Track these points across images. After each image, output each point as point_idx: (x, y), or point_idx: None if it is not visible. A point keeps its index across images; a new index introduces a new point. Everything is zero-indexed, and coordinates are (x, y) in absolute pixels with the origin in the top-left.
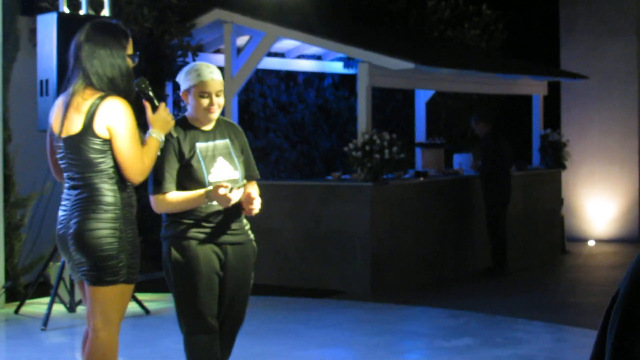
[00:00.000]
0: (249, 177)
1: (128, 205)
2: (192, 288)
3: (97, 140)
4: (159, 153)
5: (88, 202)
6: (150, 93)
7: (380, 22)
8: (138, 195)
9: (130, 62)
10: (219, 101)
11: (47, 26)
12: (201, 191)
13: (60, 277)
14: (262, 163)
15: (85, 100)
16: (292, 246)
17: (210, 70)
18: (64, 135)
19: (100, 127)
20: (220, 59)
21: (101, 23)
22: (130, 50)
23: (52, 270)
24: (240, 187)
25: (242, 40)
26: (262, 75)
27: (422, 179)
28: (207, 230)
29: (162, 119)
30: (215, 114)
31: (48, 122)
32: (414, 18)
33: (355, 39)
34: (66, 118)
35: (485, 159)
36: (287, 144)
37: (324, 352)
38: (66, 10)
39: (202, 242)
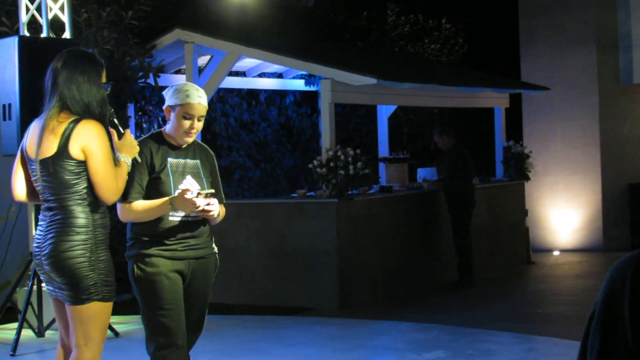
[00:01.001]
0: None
1: (100, 226)
2: (159, 305)
3: (72, 162)
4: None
5: (61, 224)
6: (116, 120)
7: (341, 40)
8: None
9: (104, 91)
10: (199, 125)
11: (8, 50)
12: (165, 198)
13: (27, 302)
14: (226, 182)
15: (60, 123)
16: (259, 265)
17: (198, 95)
18: (39, 157)
19: (75, 149)
20: (182, 79)
21: (78, 51)
22: (104, 78)
23: (20, 295)
24: (206, 195)
25: (203, 60)
26: (223, 94)
27: (386, 194)
28: (170, 246)
29: (128, 144)
30: (192, 138)
31: (14, 146)
32: (375, 34)
33: (316, 55)
34: (42, 141)
35: (450, 172)
36: (251, 162)
37: None
38: (27, 33)
39: (165, 258)
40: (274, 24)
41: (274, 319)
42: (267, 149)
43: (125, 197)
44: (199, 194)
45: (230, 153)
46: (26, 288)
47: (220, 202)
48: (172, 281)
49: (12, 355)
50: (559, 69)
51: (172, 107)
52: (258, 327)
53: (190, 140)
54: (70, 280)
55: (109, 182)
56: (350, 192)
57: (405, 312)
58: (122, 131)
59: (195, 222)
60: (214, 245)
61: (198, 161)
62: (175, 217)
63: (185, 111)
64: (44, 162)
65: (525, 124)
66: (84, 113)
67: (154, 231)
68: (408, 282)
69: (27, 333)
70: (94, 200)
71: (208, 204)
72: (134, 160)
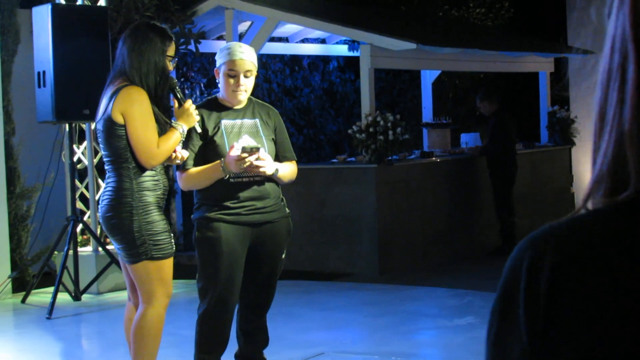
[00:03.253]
0: (282, 157)
1: (145, 189)
2: (213, 271)
3: (115, 126)
4: (180, 145)
5: (111, 187)
6: (177, 90)
7: (384, 4)
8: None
9: (169, 64)
10: (247, 82)
11: (42, 18)
12: (216, 161)
13: (63, 266)
14: None
15: (114, 87)
16: (299, 230)
17: (241, 50)
18: (96, 120)
19: (116, 113)
20: (223, 45)
21: (148, 23)
22: (171, 52)
23: (57, 260)
24: (252, 150)
25: (244, 26)
26: (266, 60)
27: (426, 159)
28: (232, 211)
29: (186, 113)
30: (243, 95)
31: (48, 113)
32: None
33: (357, 21)
34: (99, 105)
35: (491, 138)
36: (294, 128)
37: (327, 335)
38: (62, 1)
39: (227, 223)
40: None
41: (309, 284)
42: (310, 115)
43: (180, 166)
44: (243, 149)
45: None
46: (62, 253)
47: (290, 159)
48: (230, 248)
49: (48, 318)
50: (605, 33)
51: (218, 68)
52: (291, 292)
53: (240, 98)
54: (121, 240)
55: (146, 146)
56: (390, 158)
57: (443, 279)
58: (184, 101)
59: (261, 182)
60: (286, 208)
61: (257, 120)
62: (238, 179)
63: (229, 68)
64: (97, 125)
65: (572, 89)
66: (140, 82)
67: (217, 194)
68: (448, 248)
69: (64, 297)
70: (137, 163)
71: (257, 159)
72: (193, 129)
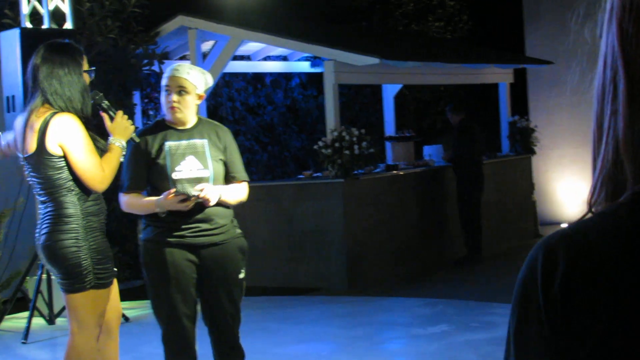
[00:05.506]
0: (232, 177)
1: (91, 214)
2: (164, 292)
3: (52, 158)
4: (121, 159)
5: (51, 215)
6: (105, 104)
7: (344, 20)
8: (111, 205)
9: (87, 78)
10: (183, 100)
11: (10, 42)
12: (152, 199)
13: (37, 291)
14: None
15: (38, 118)
16: (267, 246)
17: (176, 68)
18: (24, 154)
19: (52, 145)
20: None
21: (56, 43)
22: (85, 66)
23: (30, 285)
24: (182, 192)
25: (207, 45)
26: (229, 79)
27: (392, 172)
28: (178, 233)
29: (120, 126)
30: (178, 113)
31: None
32: (378, 14)
33: (319, 37)
34: (24, 138)
35: (458, 148)
36: (258, 145)
37: (305, 348)
38: (29, 25)
39: (173, 246)
40: (277, 7)
41: (282, 299)
42: (274, 132)
43: (122, 188)
44: (176, 191)
45: (237, 137)
46: (36, 277)
47: (240, 179)
48: (178, 270)
49: (23, 342)
50: (563, 43)
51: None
52: (265, 308)
53: (176, 115)
54: (63, 269)
55: (92, 172)
56: (356, 172)
57: (412, 289)
58: (114, 114)
59: (208, 208)
60: (237, 229)
61: (205, 140)
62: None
63: (165, 85)
64: (29, 159)
65: (531, 99)
66: (65, 107)
67: (164, 218)
68: (416, 259)
69: (38, 321)
70: (81, 189)
71: (199, 196)
72: (131, 141)
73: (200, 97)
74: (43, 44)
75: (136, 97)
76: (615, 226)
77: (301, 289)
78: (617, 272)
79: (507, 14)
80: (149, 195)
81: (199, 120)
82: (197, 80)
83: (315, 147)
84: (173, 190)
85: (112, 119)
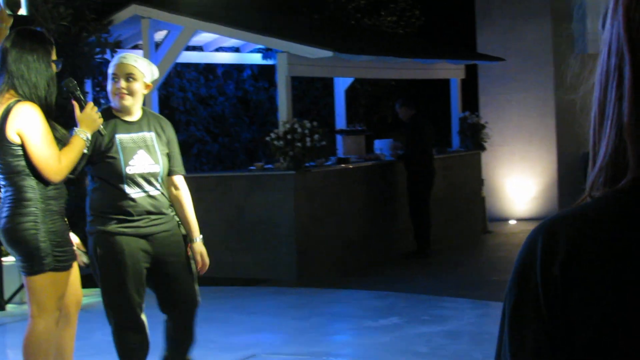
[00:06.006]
0: (172, 171)
1: (51, 198)
2: (120, 282)
3: (12, 145)
4: (85, 150)
5: (11, 200)
6: (78, 93)
7: (297, 13)
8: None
9: (54, 68)
10: (131, 86)
11: None
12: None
13: None
14: (184, 156)
15: (1, 105)
16: (217, 237)
17: (123, 56)
18: None
19: (12, 133)
20: (139, 54)
21: (27, 30)
22: (54, 56)
23: None
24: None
25: (160, 35)
26: (181, 69)
27: (343, 165)
28: (133, 224)
29: (88, 117)
30: (126, 101)
31: None
32: (331, 7)
33: (273, 29)
34: None
35: (408, 143)
36: (209, 136)
37: (255, 338)
38: None
39: (128, 235)
40: None
41: (233, 289)
42: (225, 123)
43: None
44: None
45: (188, 127)
46: None
47: (177, 173)
48: (132, 258)
49: None
50: (514, 40)
51: (108, 79)
52: (216, 298)
53: (124, 102)
54: (23, 252)
55: (49, 163)
56: (307, 164)
57: (362, 282)
58: (85, 104)
59: (155, 196)
60: (175, 217)
61: (153, 133)
62: (137, 193)
63: (112, 72)
64: None
65: (482, 95)
66: (30, 93)
67: (115, 207)
68: (366, 252)
69: None
70: (40, 178)
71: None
72: (98, 134)
73: (147, 86)
74: (14, 30)
75: (88, 86)
76: (617, 210)
77: (251, 280)
78: (620, 255)
79: (459, 10)
80: (99, 189)
81: (144, 112)
82: (144, 69)
83: (268, 138)
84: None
85: (82, 108)
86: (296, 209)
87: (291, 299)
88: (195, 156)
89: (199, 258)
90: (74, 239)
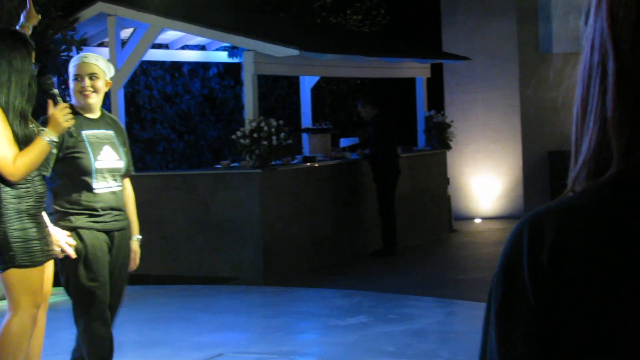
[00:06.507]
0: (127, 171)
1: (12, 197)
2: (91, 278)
3: None
4: (54, 150)
5: None
6: (54, 92)
7: (263, 11)
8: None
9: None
10: (95, 84)
11: None
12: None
13: None
14: (150, 154)
15: None
16: (184, 236)
17: (85, 56)
18: None
19: None
20: (105, 52)
21: (10, 30)
22: (32, 59)
23: None
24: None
25: (126, 33)
26: (147, 67)
27: (309, 164)
28: (98, 218)
29: (57, 119)
30: (91, 99)
31: None
32: (297, 6)
33: (239, 27)
34: None
35: (373, 142)
36: (174, 134)
37: (222, 337)
38: None
39: (96, 230)
40: None
41: (199, 288)
42: (191, 121)
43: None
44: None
45: (154, 125)
46: None
47: (130, 173)
48: (102, 253)
49: None
50: (479, 39)
51: (69, 78)
52: (183, 297)
53: (88, 100)
54: None
55: (1, 165)
56: (273, 163)
57: (329, 281)
58: (58, 102)
59: (117, 193)
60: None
61: (112, 132)
62: (102, 189)
63: (74, 73)
64: None
65: (447, 94)
66: (7, 92)
67: (82, 203)
68: (332, 250)
69: None
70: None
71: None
72: (67, 134)
73: (108, 84)
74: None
75: (54, 83)
76: (601, 201)
77: (218, 279)
78: (606, 245)
79: (424, 9)
80: (64, 185)
81: (102, 112)
82: (104, 67)
83: (234, 137)
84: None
85: (55, 105)
86: (262, 207)
87: (258, 298)
88: (161, 154)
89: (132, 255)
90: (59, 234)
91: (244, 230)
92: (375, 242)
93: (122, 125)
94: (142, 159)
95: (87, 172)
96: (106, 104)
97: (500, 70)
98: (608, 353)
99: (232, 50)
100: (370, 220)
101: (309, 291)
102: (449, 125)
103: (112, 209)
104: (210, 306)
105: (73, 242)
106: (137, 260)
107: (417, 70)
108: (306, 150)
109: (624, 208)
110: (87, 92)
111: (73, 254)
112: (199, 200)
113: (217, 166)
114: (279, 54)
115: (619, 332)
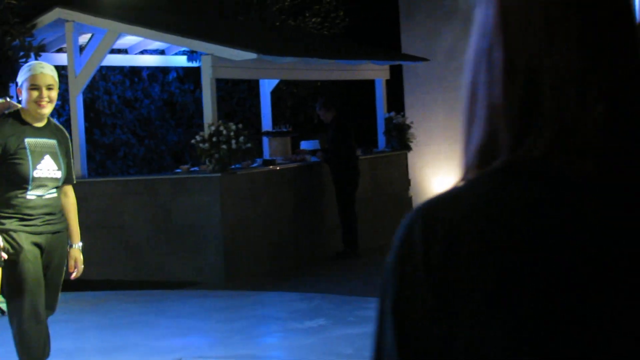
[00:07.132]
0: (67, 180)
1: None
2: (23, 279)
3: None
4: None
5: None
6: None
7: (222, 15)
8: None
9: None
10: (51, 95)
11: None
12: None
13: None
14: (110, 159)
15: None
16: (145, 240)
17: (41, 66)
18: None
19: None
20: (63, 57)
21: None
22: None
23: None
24: None
25: (84, 38)
26: (106, 72)
27: (269, 167)
28: (29, 222)
29: None
30: (46, 109)
31: None
32: (255, 9)
33: (197, 31)
34: None
35: (332, 144)
36: (135, 139)
37: (182, 341)
38: None
39: (27, 233)
40: (154, 1)
41: (159, 293)
42: (151, 126)
43: None
44: None
45: (114, 130)
46: None
47: (70, 182)
48: (34, 255)
49: None
50: (437, 40)
51: (21, 86)
52: (143, 301)
53: (44, 111)
54: None
55: None
56: (233, 167)
57: (289, 284)
58: None
59: (52, 198)
60: (64, 219)
61: (55, 141)
62: (36, 196)
63: (31, 83)
64: None
65: (407, 95)
66: None
67: (15, 208)
68: (293, 254)
69: None
70: None
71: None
72: (12, 139)
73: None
74: None
75: (12, 90)
76: (491, 189)
77: (178, 283)
78: (498, 232)
79: (383, 11)
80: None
81: (49, 120)
82: (57, 77)
83: (193, 141)
84: None
85: None
86: (223, 211)
87: (218, 302)
88: (122, 159)
89: (72, 262)
90: None
91: (204, 235)
92: (337, 245)
93: (67, 134)
94: (103, 164)
95: (25, 180)
96: (65, 109)
97: (460, 70)
98: (502, 338)
99: (191, 55)
100: (331, 222)
101: (270, 294)
102: (409, 127)
103: (46, 214)
104: (170, 310)
105: (1, 243)
106: (81, 267)
107: (377, 72)
108: (266, 154)
109: (515, 195)
110: (44, 103)
111: (4, 255)
112: (160, 205)
113: (177, 170)
114: (237, 58)
115: (513, 317)
